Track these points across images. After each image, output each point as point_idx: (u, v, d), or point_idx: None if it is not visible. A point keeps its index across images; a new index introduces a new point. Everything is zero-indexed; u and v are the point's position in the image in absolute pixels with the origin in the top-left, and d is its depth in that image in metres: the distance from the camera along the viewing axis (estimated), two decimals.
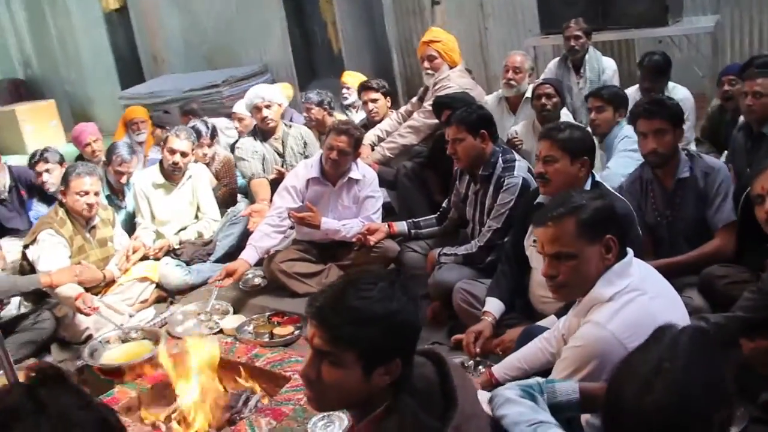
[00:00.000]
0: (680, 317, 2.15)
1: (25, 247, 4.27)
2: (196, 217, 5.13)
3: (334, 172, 4.25)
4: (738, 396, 2.67)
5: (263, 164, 5.21)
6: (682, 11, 7.14)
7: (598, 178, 3.15)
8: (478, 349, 3.08)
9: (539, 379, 2.00)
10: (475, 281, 3.48)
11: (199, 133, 5.52)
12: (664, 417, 1.39)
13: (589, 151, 3.08)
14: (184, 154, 4.88)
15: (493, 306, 3.17)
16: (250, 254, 4.21)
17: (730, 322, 2.79)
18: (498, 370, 2.60)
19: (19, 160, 6.60)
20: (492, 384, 2.56)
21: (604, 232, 2.11)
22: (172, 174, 4.94)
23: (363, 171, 4.35)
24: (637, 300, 2.07)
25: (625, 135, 4.17)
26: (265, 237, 4.25)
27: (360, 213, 4.30)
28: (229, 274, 4.11)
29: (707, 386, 1.42)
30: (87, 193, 4.24)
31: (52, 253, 4.13)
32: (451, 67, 4.86)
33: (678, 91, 5.02)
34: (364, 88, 5.43)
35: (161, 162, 5.00)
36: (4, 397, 1.18)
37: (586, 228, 2.12)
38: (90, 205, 4.26)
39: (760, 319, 2.77)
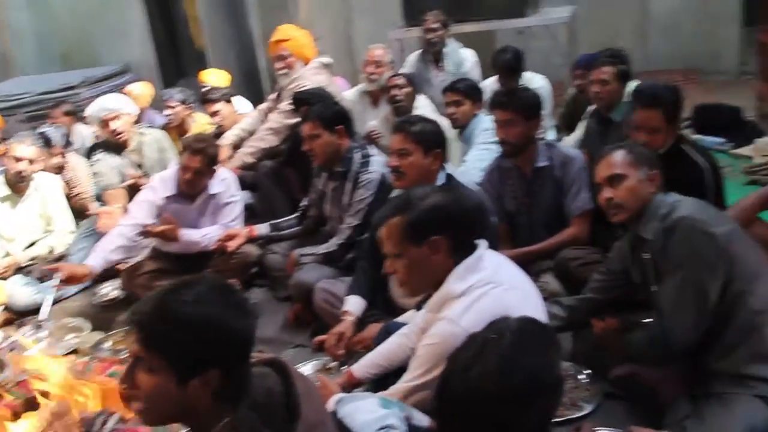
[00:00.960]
0: (534, 307, 2.18)
1: None
2: (47, 230, 4.82)
3: (191, 190, 4.07)
4: (592, 374, 2.80)
5: (121, 179, 4.93)
6: (539, 2, 7.36)
7: (449, 170, 3.15)
8: (341, 351, 3.03)
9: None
10: (336, 280, 3.44)
11: (49, 141, 5.20)
12: (479, 401, 1.40)
13: (441, 143, 3.09)
14: (30, 161, 4.56)
15: (354, 305, 3.13)
16: (96, 262, 3.87)
17: (581, 303, 2.88)
18: (358, 368, 2.56)
19: None
20: (352, 383, 2.54)
21: (430, 234, 2.10)
22: (16, 184, 4.61)
23: (222, 176, 4.17)
24: (490, 293, 2.07)
25: (485, 127, 4.22)
26: (116, 250, 3.95)
27: (219, 220, 4.14)
28: (68, 279, 3.79)
29: (529, 374, 1.43)
30: None
31: None
32: (305, 64, 4.75)
33: (535, 81, 5.15)
34: (203, 101, 5.22)
35: (5, 172, 4.66)
36: None
37: (410, 230, 2.12)
38: None
39: (609, 299, 2.87)
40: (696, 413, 2.35)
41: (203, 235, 4.06)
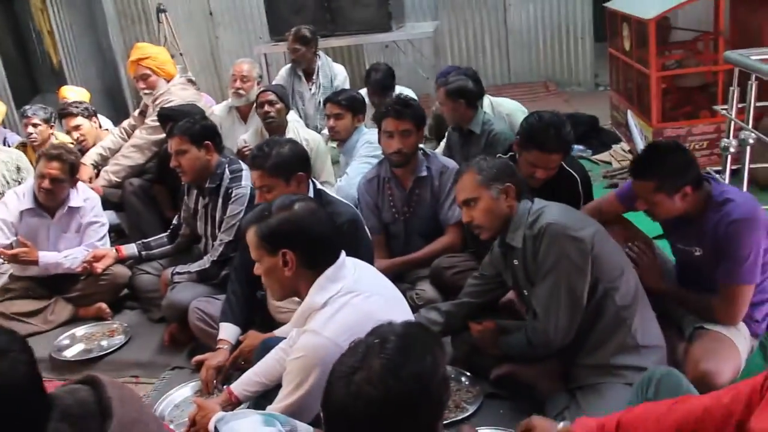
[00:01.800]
0: (401, 313, 2.19)
1: None
2: None
3: (50, 202, 3.87)
4: (473, 376, 2.87)
5: None
6: (404, 17, 7.53)
7: (319, 186, 3.13)
8: (217, 384, 2.95)
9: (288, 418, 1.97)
10: (210, 298, 3.34)
11: None
12: (365, 406, 1.40)
13: (302, 164, 3.00)
14: None
15: (228, 332, 3.04)
16: None
17: (458, 308, 2.95)
18: (237, 387, 2.51)
19: None
20: (232, 402, 2.48)
21: (280, 246, 2.11)
22: None
23: (84, 195, 3.99)
24: (352, 302, 2.08)
25: (367, 140, 4.24)
26: None
27: (83, 241, 3.94)
28: None
29: (414, 376, 1.44)
30: None
31: None
32: (168, 81, 4.60)
33: (405, 94, 5.22)
34: (62, 115, 4.93)
35: None
36: None
37: (262, 240, 2.13)
38: None
39: (484, 303, 2.96)
40: (573, 404, 2.48)
41: (65, 257, 3.86)
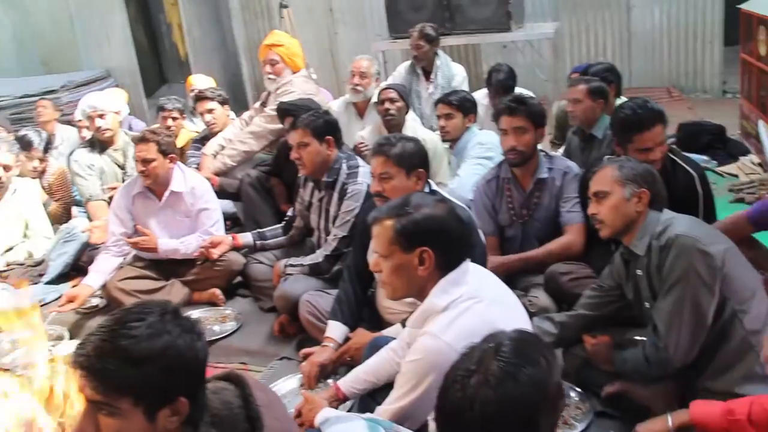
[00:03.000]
0: (520, 323, 2.13)
1: None
2: (25, 235, 4.72)
3: (152, 184, 4.01)
4: (583, 392, 2.77)
5: (102, 178, 4.86)
6: (524, 18, 7.39)
7: (434, 186, 3.12)
8: (321, 382, 2.98)
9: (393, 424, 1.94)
10: (322, 292, 3.37)
11: (29, 144, 5.11)
12: (480, 413, 1.36)
13: (423, 162, 3.01)
14: (6, 168, 4.50)
15: (336, 331, 3.05)
16: (93, 279, 3.91)
17: (573, 320, 2.85)
18: (345, 384, 2.51)
19: None
20: (339, 398, 2.49)
21: (419, 244, 2.07)
22: None
23: (191, 183, 4.10)
24: (473, 308, 2.04)
25: (478, 141, 4.18)
26: (106, 262, 4.00)
27: (197, 227, 4.08)
28: (70, 300, 3.78)
29: (531, 382, 1.39)
30: None
31: None
32: (293, 72, 4.71)
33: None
34: (198, 98, 5.12)
35: None
36: None
37: (400, 236, 2.08)
38: None
39: (601, 316, 2.84)
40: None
41: (181, 243, 4.01)
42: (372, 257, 2.26)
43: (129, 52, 8.99)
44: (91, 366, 1.41)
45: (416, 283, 2.11)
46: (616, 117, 3.17)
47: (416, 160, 2.96)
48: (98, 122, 4.74)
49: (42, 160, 5.22)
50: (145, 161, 3.90)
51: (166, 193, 4.04)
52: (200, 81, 6.26)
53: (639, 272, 2.53)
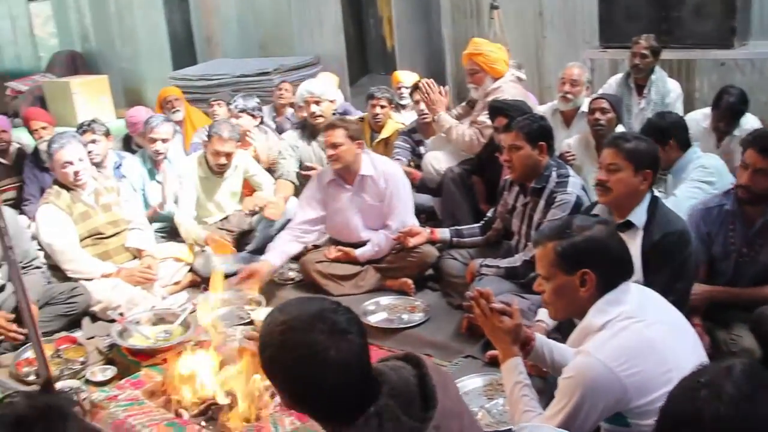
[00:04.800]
0: (687, 345, 2.10)
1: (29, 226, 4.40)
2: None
3: (342, 170, 4.17)
4: None
5: (302, 161, 5.11)
6: (748, 34, 6.93)
7: (656, 193, 3.06)
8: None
9: None
10: (515, 296, 3.35)
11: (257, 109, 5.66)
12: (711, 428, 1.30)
13: (653, 164, 2.97)
14: (228, 155, 4.82)
15: (545, 317, 3.07)
16: (274, 257, 4.16)
17: None
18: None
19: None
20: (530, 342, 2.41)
21: (580, 266, 2.09)
22: (218, 171, 4.90)
23: (381, 168, 4.24)
24: (631, 327, 2.03)
25: (701, 164, 3.96)
26: (288, 243, 4.23)
27: (389, 212, 4.21)
28: (251, 275, 4.04)
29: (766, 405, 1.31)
30: (70, 163, 4.26)
31: (49, 226, 4.21)
32: (495, 79, 4.67)
33: (748, 120, 4.79)
34: (416, 88, 5.33)
35: (206, 157, 4.91)
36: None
37: (562, 258, 2.12)
38: (76, 173, 4.27)
39: None
40: None
41: (377, 247, 4.18)
42: None
43: (339, 40, 9.37)
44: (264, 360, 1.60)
45: (577, 304, 2.14)
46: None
47: (647, 160, 2.93)
48: (313, 107, 5.00)
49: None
50: (334, 145, 4.07)
51: (357, 178, 4.20)
52: (405, 76, 6.46)
53: None
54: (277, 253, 4.18)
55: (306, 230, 4.27)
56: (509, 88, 4.60)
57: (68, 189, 4.30)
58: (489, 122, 4.38)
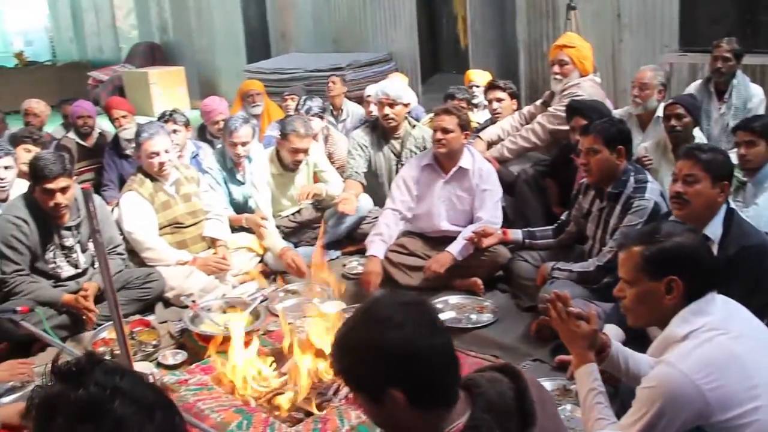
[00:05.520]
0: None
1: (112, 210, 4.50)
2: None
3: (443, 155, 4.20)
4: None
5: (372, 163, 5.09)
6: None
7: (732, 204, 2.98)
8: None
9: None
10: (587, 302, 3.31)
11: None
12: None
13: (730, 176, 2.94)
14: (305, 151, 4.83)
15: (612, 332, 2.99)
16: (379, 249, 4.20)
17: None
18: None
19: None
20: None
21: (668, 273, 2.02)
22: (293, 168, 4.94)
23: (479, 164, 4.26)
24: (716, 339, 1.95)
25: None
26: (391, 227, 4.29)
27: (477, 207, 4.21)
28: (369, 280, 4.09)
29: None
30: (157, 153, 4.36)
31: (132, 213, 4.34)
32: (582, 76, 4.65)
33: None
34: (491, 86, 5.33)
35: (278, 153, 4.90)
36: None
37: (648, 263, 2.06)
38: (161, 164, 4.38)
39: None
40: None
41: (460, 252, 4.12)
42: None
43: (412, 38, 9.37)
44: (337, 350, 1.58)
45: (660, 312, 2.07)
46: None
47: (724, 172, 2.89)
48: (386, 110, 4.93)
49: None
50: (445, 130, 4.13)
51: (454, 168, 4.23)
52: (478, 75, 6.43)
53: None
54: (382, 244, 4.21)
55: (408, 207, 4.33)
56: (588, 87, 4.55)
57: (152, 178, 4.43)
58: (561, 114, 4.35)
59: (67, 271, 4.02)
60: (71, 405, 1.14)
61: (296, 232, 4.91)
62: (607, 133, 3.43)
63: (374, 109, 5.50)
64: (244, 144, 5.01)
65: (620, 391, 2.57)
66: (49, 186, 3.76)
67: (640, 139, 4.87)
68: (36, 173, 3.79)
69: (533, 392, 1.55)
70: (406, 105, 4.99)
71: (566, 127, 4.38)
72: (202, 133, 6.24)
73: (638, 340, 2.87)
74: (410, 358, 1.48)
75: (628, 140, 3.49)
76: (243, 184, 5.11)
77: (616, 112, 5.18)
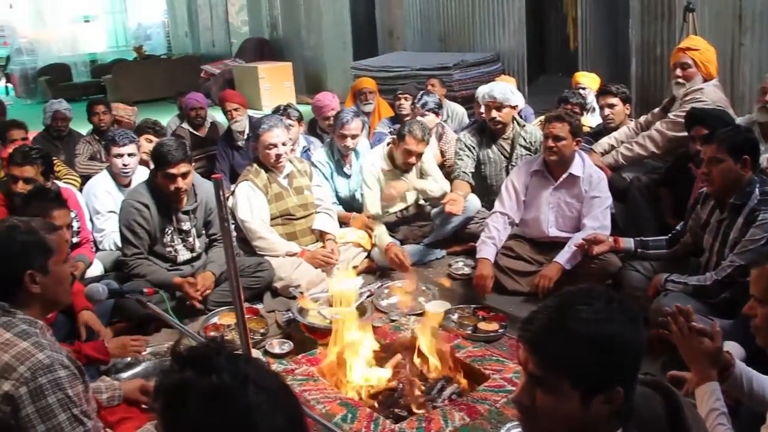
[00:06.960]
0: None
1: (226, 199, 4.61)
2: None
3: (554, 162, 4.17)
4: None
5: (480, 164, 5.07)
6: None
7: None
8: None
9: None
10: (703, 317, 3.19)
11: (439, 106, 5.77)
12: None
13: None
14: (419, 156, 4.80)
15: (734, 350, 2.88)
16: (490, 252, 4.21)
17: None
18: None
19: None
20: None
21: None
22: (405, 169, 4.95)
23: (589, 170, 4.21)
24: None
25: None
26: (501, 231, 4.30)
27: (586, 213, 4.16)
28: (482, 284, 4.11)
29: None
30: (275, 145, 4.48)
31: (247, 202, 4.48)
32: (705, 80, 4.48)
33: None
34: (603, 92, 5.21)
35: (391, 152, 4.89)
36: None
37: None
38: (278, 156, 4.49)
39: None
40: None
41: (568, 257, 4.06)
42: None
43: (520, 38, 9.26)
44: (536, 342, 1.48)
45: None
46: None
47: None
48: (493, 113, 4.90)
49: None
50: (557, 138, 4.10)
51: (564, 175, 4.20)
52: (586, 77, 6.31)
53: None
54: (493, 248, 4.23)
55: (516, 212, 4.34)
56: (711, 92, 4.39)
57: (266, 169, 4.57)
58: (681, 120, 4.22)
59: (183, 255, 4.22)
60: (203, 392, 1.17)
61: (402, 229, 4.94)
62: (732, 141, 3.29)
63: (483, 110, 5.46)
64: (353, 137, 5.10)
65: (739, 412, 2.48)
66: (172, 171, 3.97)
67: (763, 149, 4.66)
68: (159, 158, 4.01)
69: (688, 415, 1.50)
70: (513, 107, 4.96)
71: (685, 134, 4.24)
72: (313, 128, 6.38)
73: (761, 360, 2.78)
74: (639, 357, 1.47)
75: (755, 150, 3.34)
76: (349, 177, 5.20)
77: (738, 120, 4.98)
